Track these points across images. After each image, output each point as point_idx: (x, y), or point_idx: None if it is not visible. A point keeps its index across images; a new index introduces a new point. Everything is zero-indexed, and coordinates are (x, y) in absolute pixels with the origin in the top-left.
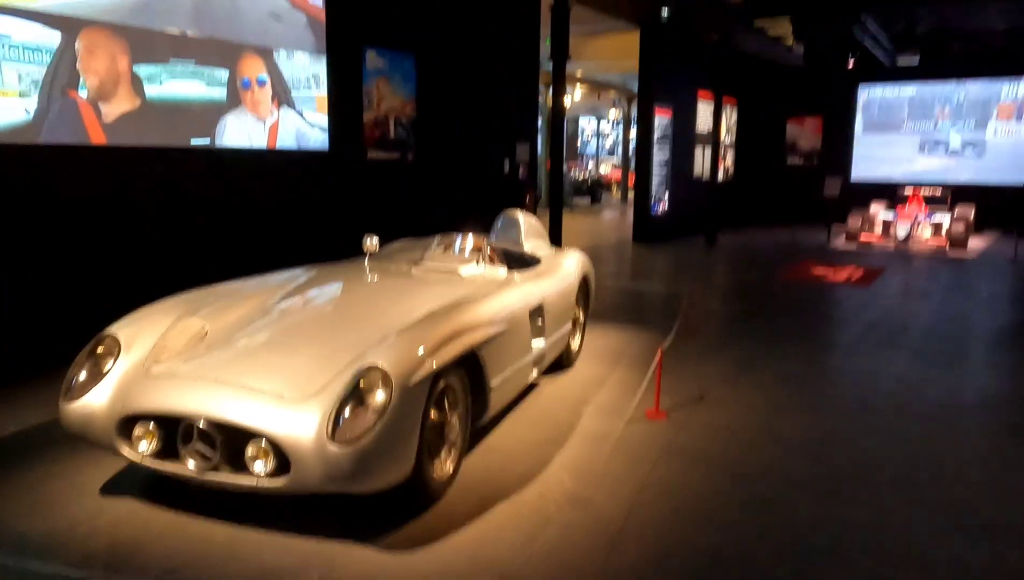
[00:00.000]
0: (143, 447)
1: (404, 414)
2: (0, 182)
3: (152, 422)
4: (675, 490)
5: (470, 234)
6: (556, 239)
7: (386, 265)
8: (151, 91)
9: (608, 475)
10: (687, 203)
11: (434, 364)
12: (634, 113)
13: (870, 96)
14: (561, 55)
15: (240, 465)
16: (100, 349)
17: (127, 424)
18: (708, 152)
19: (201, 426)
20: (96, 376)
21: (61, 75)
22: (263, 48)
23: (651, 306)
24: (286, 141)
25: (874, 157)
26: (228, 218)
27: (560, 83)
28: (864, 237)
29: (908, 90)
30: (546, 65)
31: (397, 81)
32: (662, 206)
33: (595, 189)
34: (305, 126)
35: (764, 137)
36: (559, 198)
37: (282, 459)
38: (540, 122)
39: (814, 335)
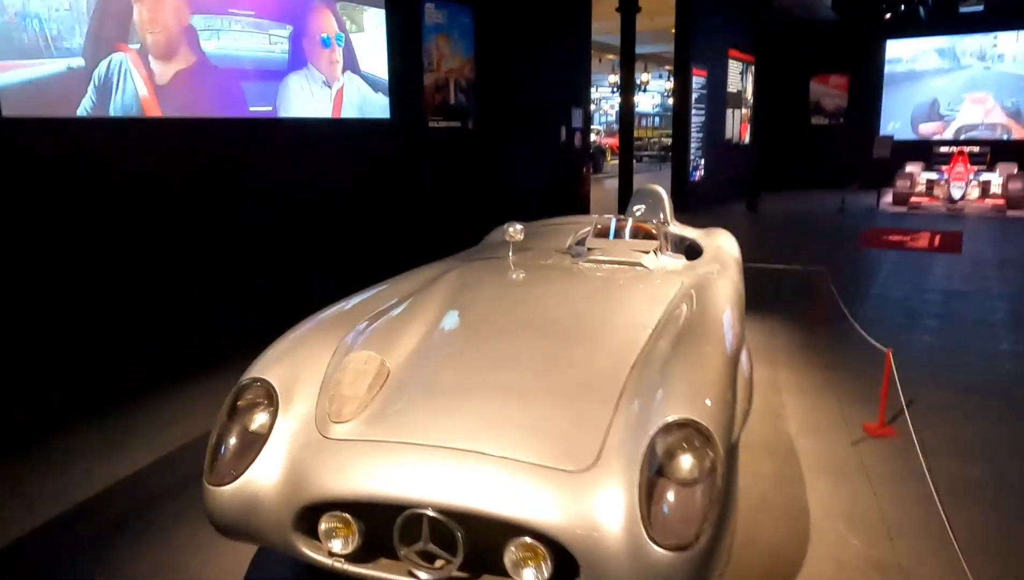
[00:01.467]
0: (337, 546)
1: (730, 487)
2: (43, 156)
3: (347, 510)
4: (996, 541)
5: (635, 216)
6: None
7: (545, 259)
8: (208, 47)
9: (894, 525)
10: (722, 168)
11: (749, 409)
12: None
13: (901, 51)
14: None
15: (494, 570)
16: (248, 402)
17: (309, 514)
18: (737, 114)
19: (432, 515)
20: (251, 444)
21: (108, 24)
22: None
23: (769, 285)
24: (350, 109)
25: (905, 116)
26: (289, 196)
27: (629, 39)
28: (915, 200)
29: (940, 42)
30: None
31: (456, 38)
32: (699, 172)
33: (597, 157)
34: (368, 91)
35: (787, 97)
36: (629, 167)
37: (562, 562)
38: None
39: (983, 310)
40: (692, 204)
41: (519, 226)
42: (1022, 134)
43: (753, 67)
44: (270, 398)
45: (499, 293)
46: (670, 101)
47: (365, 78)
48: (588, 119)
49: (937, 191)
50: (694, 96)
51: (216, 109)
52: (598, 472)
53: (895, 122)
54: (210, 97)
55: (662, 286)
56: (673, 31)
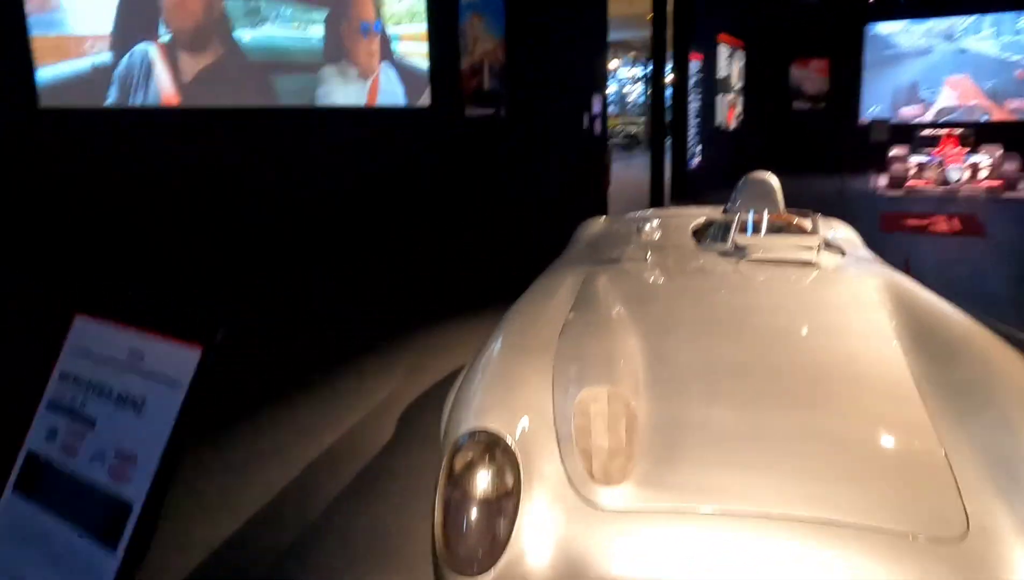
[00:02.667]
0: None
1: None
2: (63, 152)
3: None
4: None
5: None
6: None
7: (694, 261)
8: (241, 38)
9: None
10: (716, 154)
11: None
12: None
13: (881, 34)
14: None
15: None
16: (475, 462)
17: None
18: (725, 100)
19: None
20: (495, 519)
21: (136, 12)
22: None
23: None
24: (386, 96)
25: (885, 99)
26: (322, 190)
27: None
28: (912, 182)
29: (921, 26)
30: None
31: (489, 18)
32: (696, 159)
33: None
34: (404, 81)
35: (769, 82)
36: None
37: None
38: None
39: None
40: (692, 192)
41: (656, 223)
42: (1001, 116)
43: (742, 52)
44: (506, 455)
45: (691, 305)
46: (636, 88)
47: (400, 66)
48: (606, 105)
49: (928, 173)
50: (691, 81)
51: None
52: (980, 541)
53: (875, 105)
54: (241, 91)
55: (860, 288)
56: (649, 17)
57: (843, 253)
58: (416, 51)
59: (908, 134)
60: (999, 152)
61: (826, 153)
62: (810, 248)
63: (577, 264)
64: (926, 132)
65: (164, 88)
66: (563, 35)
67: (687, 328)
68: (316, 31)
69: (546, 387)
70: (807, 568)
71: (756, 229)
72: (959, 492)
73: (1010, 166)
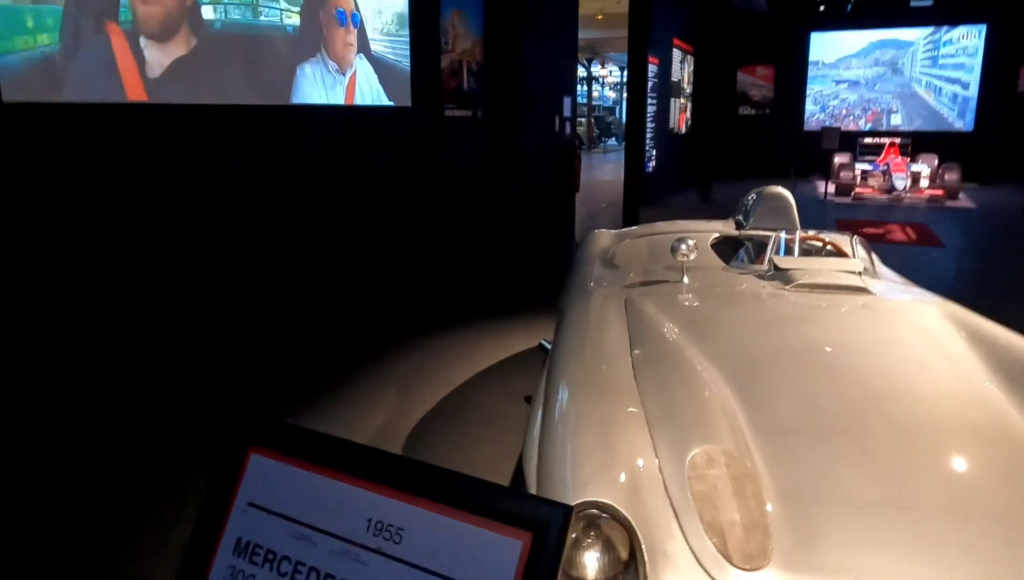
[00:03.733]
0: None
1: None
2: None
3: None
4: None
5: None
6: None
7: (734, 285)
8: (211, 29)
9: None
10: (668, 158)
11: None
12: None
13: (824, 43)
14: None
15: None
16: (591, 542)
17: None
18: (676, 104)
19: None
20: None
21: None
22: None
23: None
24: (363, 97)
25: (827, 106)
26: (300, 193)
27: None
28: (859, 190)
29: (861, 36)
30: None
31: (468, 16)
32: (652, 163)
33: None
34: (381, 78)
35: (717, 87)
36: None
37: None
38: None
39: None
40: (648, 196)
41: (691, 243)
42: (937, 127)
43: (691, 57)
44: (624, 532)
45: (762, 339)
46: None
47: (377, 62)
48: (575, 107)
49: (872, 181)
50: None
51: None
52: None
53: (818, 113)
54: (209, 91)
55: (923, 319)
56: (600, 17)
57: (876, 276)
58: (396, 47)
59: (852, 142)
60: (934, 162)
61: (772, 159)
62: (855, 273)
63: (605, 287)
64: (868, 140)
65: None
66: (536, 36)
67: (772, 369)
68: (292, 19)
69: (647, 446)
70: None
71: (789, 250)
72: None
73: (951, 176)
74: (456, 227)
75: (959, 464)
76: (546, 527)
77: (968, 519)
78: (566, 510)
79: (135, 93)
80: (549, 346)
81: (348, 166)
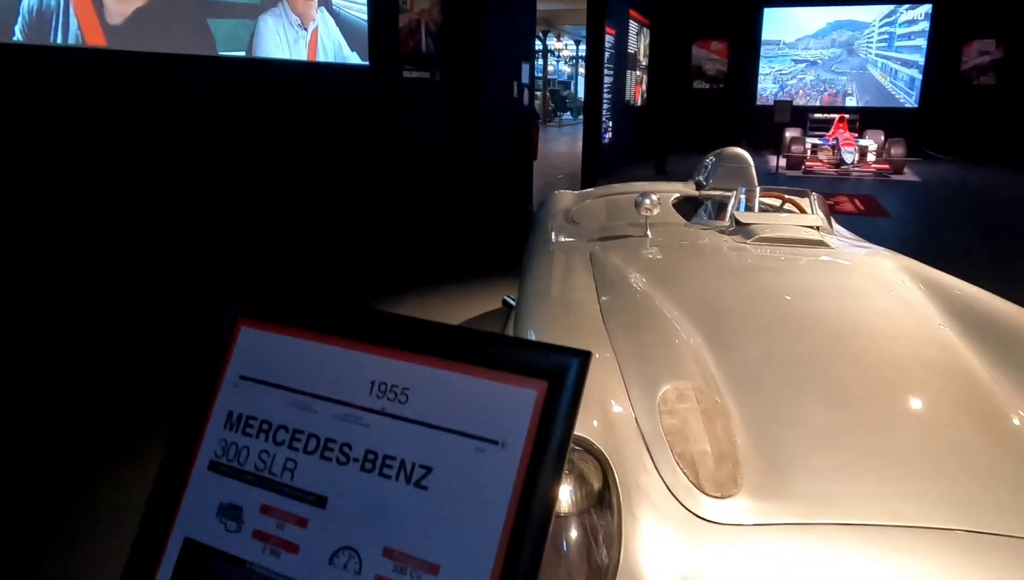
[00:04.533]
0: None
1: None
2: None
3: None
4: None
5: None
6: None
7: (697, 239)
8: None
9: None
10: (626, 130)
11: None
12: None
13: (782, 21)
14: None
15: None
16: (571, 482)
17: None
18: (633, 76)
19: None
20: (595, 539)
21: None
22: None
23: None
24: (326, 53)
25: (785, 85)
26: (259, 147)
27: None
28: (809, 163)
29: (813, 12)
30: None
31: None
32: (608, 135)
33: None
34: (342, 34)
35: (672, 60)
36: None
37: None
38: None
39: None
40: (604, 168)
41: (655, 198)
42: (884, 103)
43: (647, 30)
44: (597, 463)
45: (727, 288)
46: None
47: (339, 17)
48: (533, 75)
49: (821, 155)
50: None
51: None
52: None
53: (772, 87)
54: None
55: (879, 270)
56: None
57: (833, 233)
58: (357, 2)
59: (803, 117)
60: (880, 137)
61: (726, 133)
62: (814, 228)
63: (569, 242)
64: (818, 115)
65: (87, 26)
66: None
67: (738, 315)
68: None
69: (618, 382)
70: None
71: (750, 207)
72: None
73: (897, 150)
74: (413, 190)
75: (918, 398)
76: (563, 374)
77: (926, 448)
78: (584, 355)
79: (94, 38)
80: (513, 302)
81: (305, 123)
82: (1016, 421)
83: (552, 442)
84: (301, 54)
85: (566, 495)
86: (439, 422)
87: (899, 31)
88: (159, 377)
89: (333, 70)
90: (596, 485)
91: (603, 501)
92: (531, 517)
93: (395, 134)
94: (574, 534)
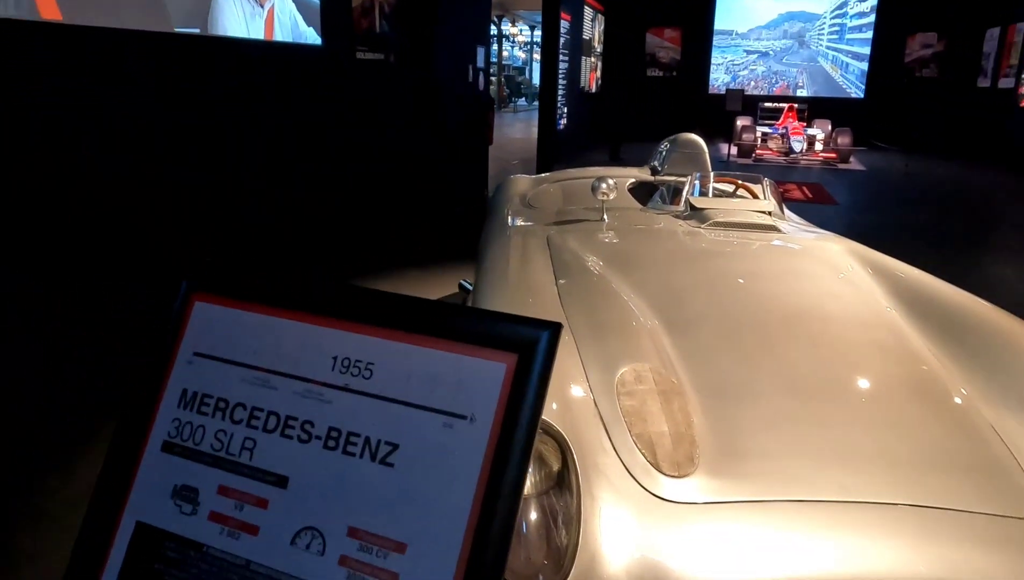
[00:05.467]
0: None
1: None
2: None
3: None
4: None
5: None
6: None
7: (653, 224)
8: None
9: None
10: (581, 117)
11: None
12: None
13: (735, 11)
14: None
15: None
16: (530, 464)
17: None
18: (587, 63)
19: None
20: (555, 520)
21: None
22: None
23: None
24: (283, 30)
25: (737, 76)
26: (212, 128)
27: None
28: (759, 152)
29: (773, 8)
30: None
31: None
32: (563, 121)
33: None
34: (298, 13)
35: (626, 48)
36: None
37: None
38: None
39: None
40: (559, 154)
41: (611, 182)
42: (832, 93)
43: (603, 16)
44: (556, 444)
45: (682, 271)
46: None
47: None
48: (488, 59)
49: (771, 143)
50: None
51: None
52: None
53: (723, 77)
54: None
55: (829, 254)
56: None
57: (784, 218)
58: None
59: (753, 106)
60: (827, 127)
61: (679, 121)
62: (766, 213)
63: (525, 225)
64: (768, 104)
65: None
66: None
67: (694, 298)
68: None
69: (576, 365)
70: (902, 555)
71: (704, 192)
72: (1020, 467)
73: (843, 140)
74: (366, 174)
75: (866, 378)
76: (533, 346)
77: (874, 426)
78: (554, 327)
79: (48, 11)
80: (470, 286)
81: (255, 100)
82: (958, 400)
83: (522, 416)
84: (258, 31)
85: (535, 477)
86: (405, 397)
87: (850, 23)
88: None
89: (285, 50)
90: (555, 467)
91: (562, 482)
92: (501, 492)
93: (349, 117)
94: (533, 516)
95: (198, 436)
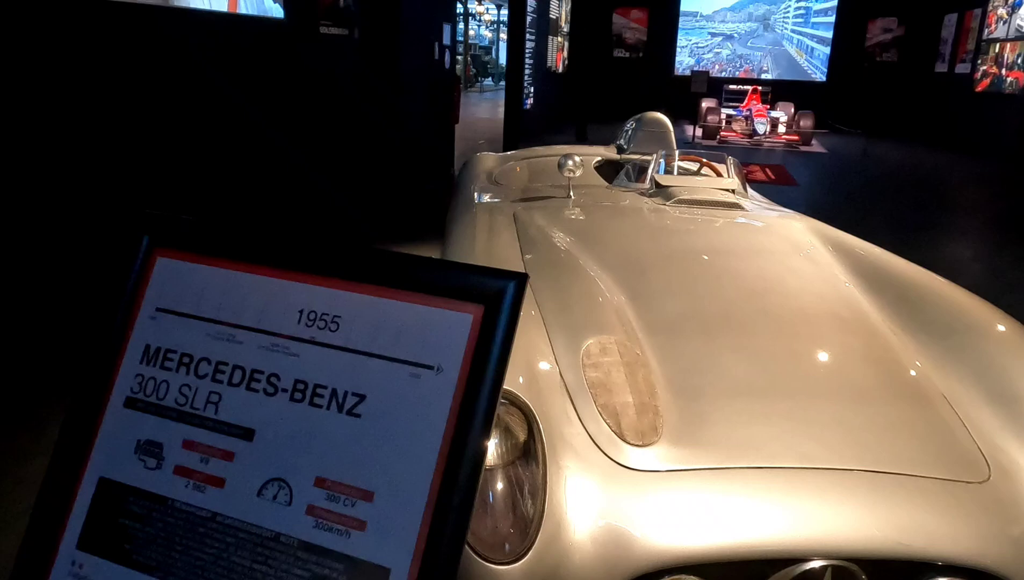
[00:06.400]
0: None
1: None
2: None
3: (694, 572)
4: None
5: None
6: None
7: (618, 201)
8: None
9: None
10: (548, 96)
11: None
12: None
13: None
14: None
15: None
16: (497, 435)
17: None
18: (555, 42)
19: (842, 565)
20: (521, 490)
21: None
22: None
23: None
24: (246, 4)
25: (702, 59)
26: (169, 104)
27: None
28: (724, 133)
29: None
30: None
31: None
32: (530, 100)
33: None
34: None
35: (593, 28)
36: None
37: None
38: None
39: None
40: (526, 134)
41: (578, 160)
42: (795, 76)
43: None
44: (521, 415)
45: (647, 247)
46: None
47: None
48: (455, 37)
49: (736, 125)
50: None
51: None
52: (1003, 481)
53: (688, 60)
54: None
55: (789, 231)
56: None
57: (747, 196)
58: None
59: (718, 88)
60: (790, 110)
61: (644, 102)
62: (730, 191)
63: (492, 202)
64: (733, 87)
65: None
66: None
67: (658, 272)
68: None
69: (543, 338)
70: (857, 518)
71: (669, 170)
72: (970, 435)
73: (806, 122)
74: (331, 152)
75: (824, 351)
76: (500, 297)
77: (831, 396)
78: (520, 278)
79: None
80: None
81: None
82: (912, 372)
83: (489, 366)
84: (221, 3)
85: (492, 448)
86: (372, 349)
87: (816, 7)
88: None
89: (246, 23)
90: (521, 437)
91: (528, 453)
92: (468, 441)
93: (311, 93)
94: (500, 486)
95: (162, 391)
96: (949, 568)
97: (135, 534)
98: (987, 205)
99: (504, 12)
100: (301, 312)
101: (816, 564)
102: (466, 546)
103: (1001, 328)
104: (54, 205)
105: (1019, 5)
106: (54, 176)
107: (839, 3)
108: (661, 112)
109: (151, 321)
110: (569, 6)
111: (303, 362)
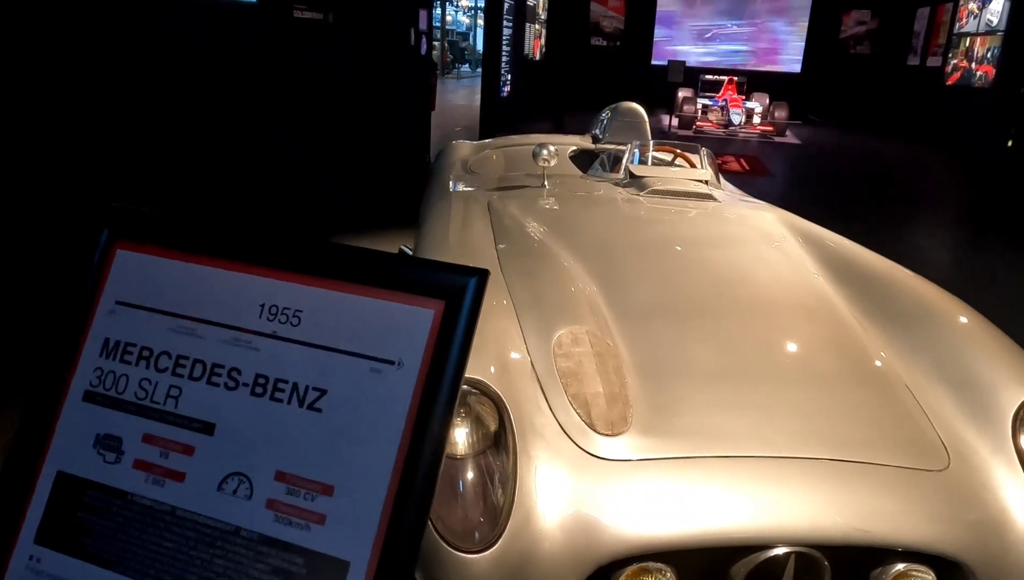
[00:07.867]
0: None
1: None
2: None
3: (660, 559)
4: None
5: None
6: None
7: (592, 191)
8: None
9: None
10: (525, 85)
11: None
12: None
13: None
14: None
15: None
16: (460, 417)
17: (604, 571)
18: (532, 30)
19: (805, 552)
20: (492, 479)
21: None
22: None
23: None
24: None
25: (670, 42)
26: (138, 88)
27: None
28: (700, 123)
29: None
30: None
31: None
32: (507, 88)
33: None
34: None
35: (570, 16)
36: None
37: None
38: None
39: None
40: (503, 122)
41: (552, 149)
42: (770, 67)
43: None
44: (492, 405)
45: (620, 238)
46: None
47: None
48: (431, 22)
49: (711, 116)
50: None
51: None
52: (962, 468)
53: (669, 48)
54: None
55: (761, 222)
56: None
57: (720, 187)
58: None
59: (694, 78)
60: (765, 100)
61: (621, 91)
62: (703, 181)
63: (466, 190)
64: (708, 77)
65: None
66: None
67: (630, 262)
68: None
69: (514, 327)
70: (821, 506)
71: (643, 160)
72: (931, 423)
73: (780, 113)
74: (305, 138)
75: (793, 341)
76: (461, 293)
77: (799, 386)
78: (481, 274)
79: None
80: (410, 251)
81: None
82: (877, 362)
83: (450, 361)
84: None
85: (462, 437)
86: (333, 344)
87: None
88: None
89: (216, 6)
90: (492, 427)
91: (499, 442)
92: (428, 435)
93: (284, 78)
94: (470, 475)
95: (121, 385)
96: (910, 554)
97: (94, 528)
98: (942, 195)
99: None
100: (263, 306)
101: (780, 551)
102: (436, 535)
103: (963, 319)
104: (10, 195)
105: (989, 0)
106: (10, 163)
107: None
108: (637, 101)
109: (110, 314)
110: None
111: (264, 356)
